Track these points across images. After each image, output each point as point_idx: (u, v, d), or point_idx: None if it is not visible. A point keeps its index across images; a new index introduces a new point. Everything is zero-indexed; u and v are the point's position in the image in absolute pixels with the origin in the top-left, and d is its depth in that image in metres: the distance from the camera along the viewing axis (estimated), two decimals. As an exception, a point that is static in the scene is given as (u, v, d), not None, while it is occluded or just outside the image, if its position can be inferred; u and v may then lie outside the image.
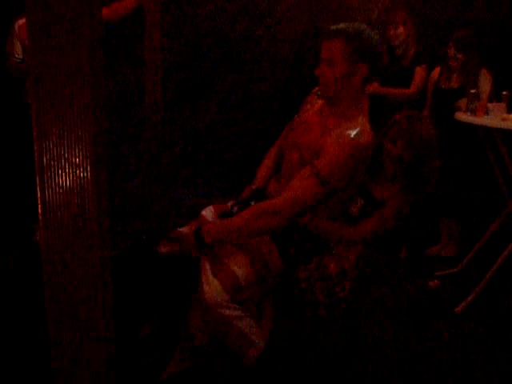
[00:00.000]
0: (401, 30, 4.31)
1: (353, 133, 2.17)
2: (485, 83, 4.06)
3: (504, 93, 3.73)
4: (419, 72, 4.32)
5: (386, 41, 4.38)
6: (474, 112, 3.71)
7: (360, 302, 2.83)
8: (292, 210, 2.16)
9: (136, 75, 4.15)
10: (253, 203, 2.39)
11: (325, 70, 2.23)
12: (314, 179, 2.15)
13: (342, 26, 2.22)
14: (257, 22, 4.67)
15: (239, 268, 2.22)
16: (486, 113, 3.68)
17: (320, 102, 2.42)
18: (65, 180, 1.10)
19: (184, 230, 2.32)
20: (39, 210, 1.14)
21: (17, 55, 3.58)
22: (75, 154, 1.09)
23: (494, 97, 3.88)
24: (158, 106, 3.46)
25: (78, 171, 1.09)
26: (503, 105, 3.67)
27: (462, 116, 3.74)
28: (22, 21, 3.59)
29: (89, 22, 1.17)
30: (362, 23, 2.29)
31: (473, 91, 3.80)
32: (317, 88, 2.43)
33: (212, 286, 2.16)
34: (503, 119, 3.50)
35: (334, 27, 2.22)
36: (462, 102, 3.86)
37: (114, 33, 3.83)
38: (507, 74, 4.15)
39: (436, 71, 4.28)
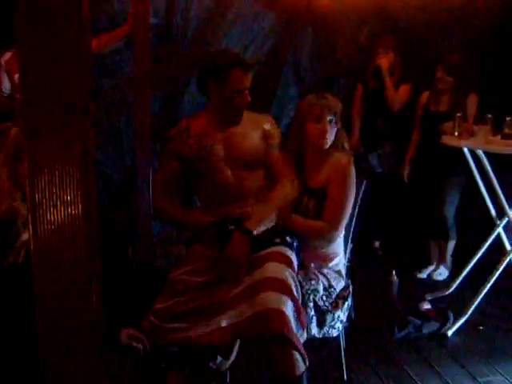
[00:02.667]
0: (391, 54, 4.41)
1: (265, 116, 2.80)
2: (471, 106, 4.13)
3: (489, 116, 3.78)
4: (402, 88, 4.45)
5: (374, 64, 4.48)
6: (460, 135, 3.76)
7: (351, 325, 2.84)
8: (295, 177, 2.66)
9: (125, 106, 4.20)
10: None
11: (248, 96, 2.60)
12: (282, 151, 2.70)
13: (248, 58, 2.66)
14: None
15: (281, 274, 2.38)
16: (472, 135, 3.73)
17: (197, 125, 2.69)
18: (56, 217, 1.12)
19: None
20: (31, 246, 1.16)
21: (4, 90, 3.54)
22: (66, 192, 1.11)
23: (480, 119, 3.93)
24: (147, 136, 3.50)
25: (69, 208, 1.12)
26: (489, 127, 3.72)
27: (448, 139, 3.79)
28: (7, 55, 3.56)
29: (78, 58, 1.20)
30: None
31: (459, 114, 3.85)
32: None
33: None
34: (488, 142, 3.55)
35: (250, 60, 2.64)
36: (447, 125, 3.91)
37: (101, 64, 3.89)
38: (493, 97, 4.23)
39: (425, 95, 4.35)
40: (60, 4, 1.18)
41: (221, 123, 2.66)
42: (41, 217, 1.13)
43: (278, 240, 2.56)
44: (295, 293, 2.35)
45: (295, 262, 2.54)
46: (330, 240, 2.67)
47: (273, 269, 2.38)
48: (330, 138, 2.65)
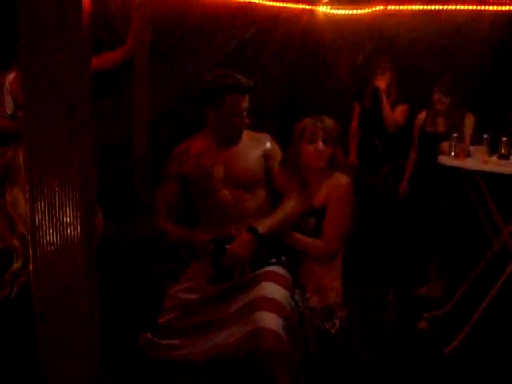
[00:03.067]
0: (387, 74, 4.48)
1: (265, 135, 2.83)
2: (468, 126, 4.17)
3: (485, 136, 3.81)
4: (399, 109, 4.50)
5: (371, 85, 4.53)
6: (456, 155, 3.79)
7: (349, 343, 2.84)
8: (302, 194, 2.69)
9: (124, 129, 4.23)
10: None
11: (246, 118, 2.66)
12: (282, 171, 2.74)
13: (245, 80, 2.63)
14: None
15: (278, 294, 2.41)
16: (468, 155, 3.76)
17: (197, 146, 2.75)
18: (56, 238, 1.15)
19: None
20: (31, 268, 1.18)
21: (8, 110, 3.52)
22: (66, 214, 1.14)
23: (476, 140, 3.95)
24: (145, 159, 3.53)
25: (68, 230, 1.14)
26: (485, 147, 3.74)
27: (445, 159, 3.82)
28: (11, 75, 3.55)
29: (78, 78, 1.23)
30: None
31: (455, 135, 3.89)
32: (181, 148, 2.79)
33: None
34: (485, 162, 3.57)
35: (247, 82, 2.62)
36: (445, 145, 3.94)
37: (101, 86, 3.90)
38: (489, 118, 4.26)
39: (422, 115, 4.40)
40: (60, 20, 1.21)
41: (220, 144, 2.69)
42: (40, 238, 1.16)
43: (273, 260, 2.58)
44: (290, 313, 2.37)
45: (290, 282, 2.56)
46: (329, 259, 2.70)
47: (268, 288, 2.40)
48: (325, 158, 2.69)
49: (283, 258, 2.64)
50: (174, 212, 2.77)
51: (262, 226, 2.51)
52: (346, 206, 2.70)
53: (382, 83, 4.47)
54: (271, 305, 2.32)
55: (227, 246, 2.51)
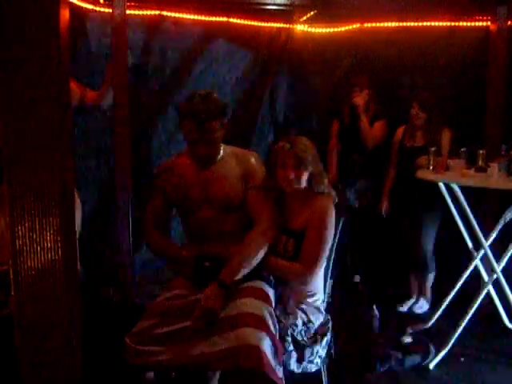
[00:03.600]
0: (365, 92, 4.52)
1: (250, 154, 2.79)
2: (445, 141, 4.22)
3: (463, 149, 3.86)
4: (377, 125, 4.56)
5: (349, 102, 4.57)
6: (434, 169, 3.83)
7: (332, 359, 2.84)
8: (272, 222, 2.64)
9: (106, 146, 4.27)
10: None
11: (204, 149, 2.59)
12: (262, 191, 2.68)
13: (213, 106, 2.55)
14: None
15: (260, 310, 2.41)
16: (447, 169, 3.80)
17: (181, 165, 2.74)
18: (37, 263, 1.15)
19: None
20: (13, 293, 1.18)
21: None
22: (46, 238, 1.14)
23: (454, 154, 4.00)
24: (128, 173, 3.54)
25: (49, 254, 1.14)
26: (462, 161, 3.79)
27: (424, 173, 3.85)
28: None
29: (58, 117, 1.24)
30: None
31: (433, 149, 3.93)
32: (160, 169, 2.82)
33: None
34: (463, 175, 3.62)
35: (213, 109, 2.54)
36: (423, 160, 3.98)
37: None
38: (466, 132, 4.31)
39: (400, 130, 4.44)
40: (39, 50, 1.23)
41: (198, 164, 2.69)
42: (22, 263, 1.16)
43: (254, 274, 2.58)
44: (272, 329, 2.37)
45: (272, 297, 2.56)
46: (306, 282, 2.67)
47: (250, 304, 2.40)
48: (298, 182, 2.65)
49: (265, 273, 2.64)
50: (163, 225, 2.79)
51: (230, 276, 2.49)
52: (326, 229, 2.64)
53: (360, 100, 4.51)
54: (252, 320, 2.32)
55: (207, 264, 2.56)
